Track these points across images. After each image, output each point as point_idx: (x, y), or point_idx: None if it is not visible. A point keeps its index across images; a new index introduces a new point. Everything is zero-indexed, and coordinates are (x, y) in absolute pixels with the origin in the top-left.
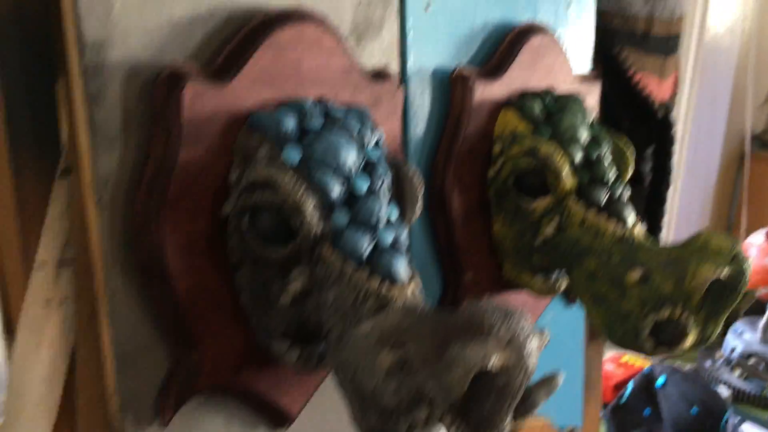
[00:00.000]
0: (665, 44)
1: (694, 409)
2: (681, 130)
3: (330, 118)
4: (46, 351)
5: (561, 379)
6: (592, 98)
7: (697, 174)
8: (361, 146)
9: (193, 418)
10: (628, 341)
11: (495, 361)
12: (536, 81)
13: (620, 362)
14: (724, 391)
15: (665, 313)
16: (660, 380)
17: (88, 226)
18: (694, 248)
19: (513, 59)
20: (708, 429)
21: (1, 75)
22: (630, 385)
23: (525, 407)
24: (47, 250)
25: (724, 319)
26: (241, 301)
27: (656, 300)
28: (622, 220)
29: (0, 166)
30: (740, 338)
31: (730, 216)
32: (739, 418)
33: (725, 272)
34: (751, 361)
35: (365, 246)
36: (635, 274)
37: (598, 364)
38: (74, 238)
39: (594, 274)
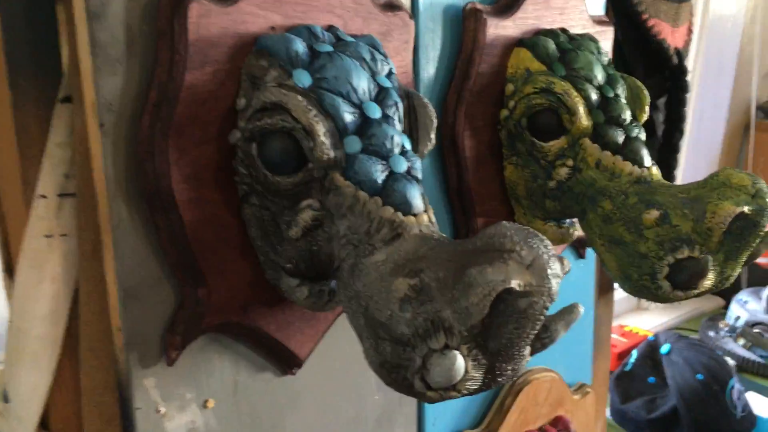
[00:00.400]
0: None
1: (699, 375)
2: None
3: (340, 45)
4: (48, 286)
5: (580, 311)
6: (605, 42)
7: (702, 143)
8: (373, 74)
9: (200, 358)
10: (644, 286)
11: (516, 282)
12: (549, 20)
13: (624, 331)
14: (728, 361)
15: (683, 253)
16: (665, 348)
17: (91, 154)
18: (714, 185)
19: None
20: (713, 394)
21: None
22: (634, 353)
23: (543, 340)
24: (48, 180)
25: (743, 260)
26: (250, 235)
27: (674, 240)
28: (638, 161)
29: None
30: (744, 307)
31: None
32: (743, 387)
33: (747, 208)
34: (756, 330)
35: (378, 174)
36: (652, 215)
37: (608, 322)
38: (76, 167)
39: (609, 216)
